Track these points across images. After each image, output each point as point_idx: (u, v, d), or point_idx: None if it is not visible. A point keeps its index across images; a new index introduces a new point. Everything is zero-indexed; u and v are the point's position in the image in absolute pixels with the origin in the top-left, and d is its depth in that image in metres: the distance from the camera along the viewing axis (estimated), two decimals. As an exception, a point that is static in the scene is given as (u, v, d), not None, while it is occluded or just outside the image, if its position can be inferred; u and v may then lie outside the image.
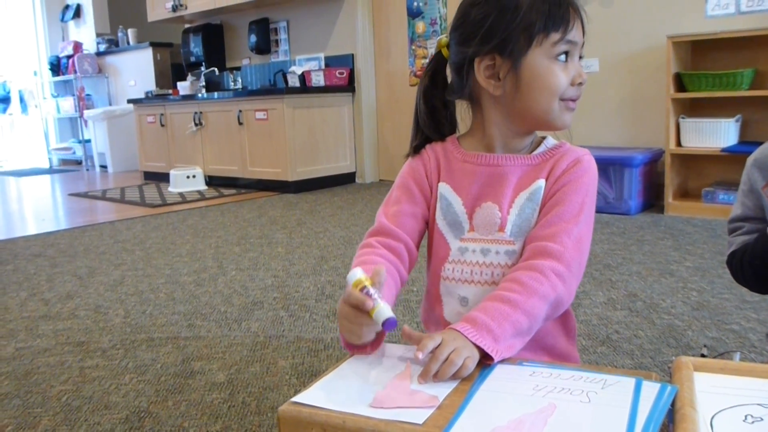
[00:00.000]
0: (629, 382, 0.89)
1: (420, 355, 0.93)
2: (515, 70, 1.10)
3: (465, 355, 0.94)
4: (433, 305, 1.24)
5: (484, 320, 0.99)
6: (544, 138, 1.21)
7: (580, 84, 1.12)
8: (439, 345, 0.95)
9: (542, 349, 1.16)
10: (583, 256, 1.09)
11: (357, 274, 0.97)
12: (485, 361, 0.97)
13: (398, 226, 1.19)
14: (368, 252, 1.16)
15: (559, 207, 1.10)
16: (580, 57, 1.13)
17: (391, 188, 1.26)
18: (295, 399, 0.91)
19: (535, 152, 1.18)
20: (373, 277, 0.98)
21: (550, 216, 1.10)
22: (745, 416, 0.78)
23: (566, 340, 1.22)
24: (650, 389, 0.86)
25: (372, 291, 0.95)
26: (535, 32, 1.08)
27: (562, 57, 1.10)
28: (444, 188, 1.20)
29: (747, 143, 3.83)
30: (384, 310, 0.93)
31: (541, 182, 1.14)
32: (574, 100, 1.14)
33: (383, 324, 0.92)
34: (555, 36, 1.08)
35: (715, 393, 0.84)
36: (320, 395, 0.92)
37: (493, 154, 1.17)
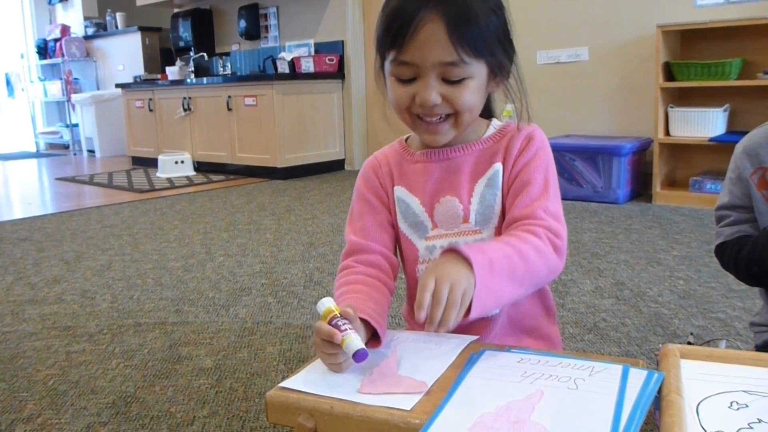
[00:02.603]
0: (616, 369, 0.89)
1: (422, 315, 0.92)
2: (385, 79, 1.12)
3: (463, 287, 0.92)
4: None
5: (479, 245, 1.00)
6: (489, 120, 1.21)
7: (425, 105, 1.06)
8: (436, 281, 0.93)
9: (523, 331, 1.17)
10: (563, 226, 1.10)
11: (326, 303, 0.96)
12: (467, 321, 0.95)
13: (368, 239, 1.18)
14: (346, 274, 1.15)
15: (527, 188, 1.10)
16: (461, 80, 1.04)
17: (351, 203, 1.25)
18: (282, 384, 0.91)
19: (484, 135, 1.17)
20: (343, 312, 0.96)
21: (522, 197, 1.10)
22: (731, 403, 0.79)
23: (547, 320, 1.22)
24: (637, 376, 0.86)
25: (341, 322, 0.93)
26: (378, 45, 1.08)
27: (403, 76, 1.06)
28: (399, 191, 1.20)
29: (735, 133, 3.84)
30: (354, 342, 0.91)
31: (498, 166, 1.13)
32: (424, 118, 1.09)
33: (354, 356, 0.91)
34: (392, 53, 1.05)
35: (701, 380, 0.85)
36: (308, 381, 0.92)
37: (441, 149, 1.16)
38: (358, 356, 0.91)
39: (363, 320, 1.01)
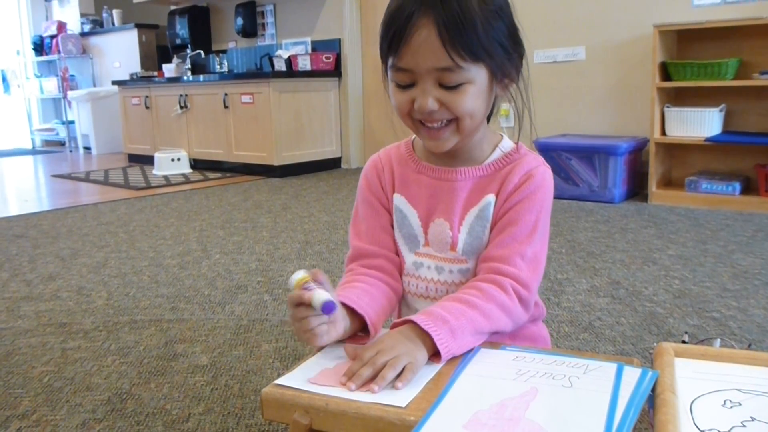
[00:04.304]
0: (611, 367, 0.90)
1: (351, 386, 0.89)
2: (387, 84, 1.09)
3: (403, 362, 0.91)
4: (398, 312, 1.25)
5: (440, 313, 0.98)
6: (501, 138, 1.17)
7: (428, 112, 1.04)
8: (377, 353, 0.92)
9: (503, 335, 1.15)
10: (539, 274, 1.08)
11: (297, 275, 0.96)
12: (433, 360, 0.96)
13: (373, 243, 1.18)
14: (349, 275, 1.16)
15: (512, 227, 1.08)
16: (457, 85, 1.01)
17: (355, 203, 1.24)
18: (278, 381, 0.91)
19: (487, 160, 1.14)
20: (314, 275, 0.96)
21: (503, 236, 1.08)
22: (724, 401, 0.79)
23: (531, 324, 1.20)
24: (631, 374, 0.87)
25: (311, 285, 0.94)
26: (382, 51, 1.06)
27: (401, 82, 1.04)
28: (399, 200, 1.18)
29: (731, 133, 3.85)
30: (320, 295, 0.92)
31: (491, 198, 1.11)
32: (425, 123, 1.07)
33: (322, 308, 0.92)
34: (390, 59, 1.04)
35: (695, 378, 0.85)
36: (303, 378, 0.92)
37: (444, 167, 1.15)
38: (326, 307, 0.92)
39: (352, 310, 1.02)
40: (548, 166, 1.14)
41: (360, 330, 1.04)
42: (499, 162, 1.13)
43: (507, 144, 1.16)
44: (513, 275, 1.04)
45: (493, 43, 1.01)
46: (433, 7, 0.97)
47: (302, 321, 0.95)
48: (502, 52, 1.03)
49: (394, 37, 1.00)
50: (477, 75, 1.02)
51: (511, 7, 1.06)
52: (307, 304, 0.94)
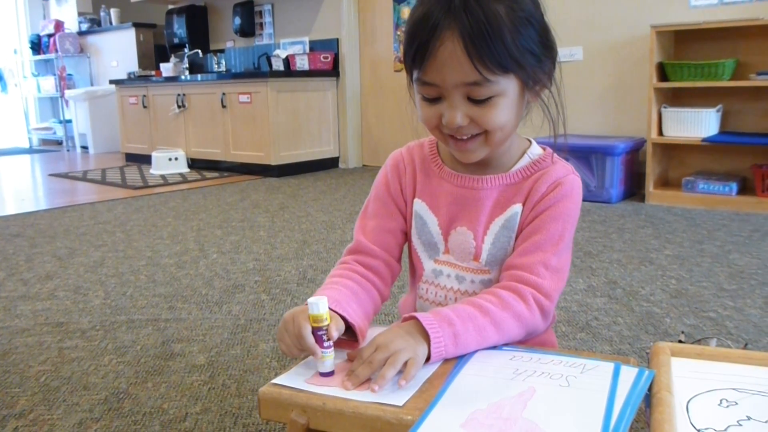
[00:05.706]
0: (608, 366, 0.90)
1: (348, 385, 0.90)
2: (413, 94, 1.05)
3: (403, 358, 0.90)
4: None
5: (447, 314, 0.96)
6: (529, 144, 1.14)
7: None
8: (375, 350, 0.92)
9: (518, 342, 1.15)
10: (562, 284, 1.06)
11: (321, 307, 0.93)
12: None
13: (376, 243, 1.15)
14: (344, 267, 1.13)
15: (537, 236, 1.05)
16: (486, 98, 0.97)
17: (368, 196, 1.21)
18: (275, 381, 0.91)
19: (515, 167, 1.10)
20: (334, 322, 0.95)
21: (527, 244, 1.05)
22: (720, 400, 0.79)
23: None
24: (628, 374, 0.87)
25: (325, 338, 0.93)
26: (406, 63, 1.01)
27: (427, 95, 1.00)
28: (419, 206, 1.15)
29: (728, 133, 3.86)
30: (327, 364, 0.93)
31: (518, 208, 1.08)
32: (454, 135, 1.02)
33: (321, 373, 0.93)
34: (415, 72, 0.99)
35: (692, 378, 0.85)
36: (300, 377, 0.92)
37: (468, 175, 1.11)
38: (324, 373, 0.93)
39: (344, 320, 1.00)
40: (578, 174, 1.10)
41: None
42: (527, 170, 1.10)
43: (536, 150, 1.13)
44: (535, 284, 1.02)
45: (524, 52, 0.97)
46: (457, 17, 0.93)
47: (292, 350, 0.95)
48: (533, 60, 0.99)
49: (418, 50, 0.96)
50: (507, 86, 0.98)
51: (542, 8, 1.02)
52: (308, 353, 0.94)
